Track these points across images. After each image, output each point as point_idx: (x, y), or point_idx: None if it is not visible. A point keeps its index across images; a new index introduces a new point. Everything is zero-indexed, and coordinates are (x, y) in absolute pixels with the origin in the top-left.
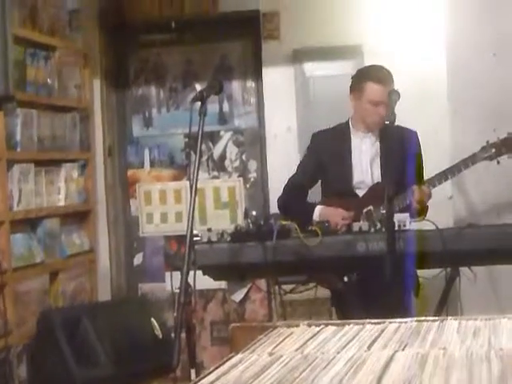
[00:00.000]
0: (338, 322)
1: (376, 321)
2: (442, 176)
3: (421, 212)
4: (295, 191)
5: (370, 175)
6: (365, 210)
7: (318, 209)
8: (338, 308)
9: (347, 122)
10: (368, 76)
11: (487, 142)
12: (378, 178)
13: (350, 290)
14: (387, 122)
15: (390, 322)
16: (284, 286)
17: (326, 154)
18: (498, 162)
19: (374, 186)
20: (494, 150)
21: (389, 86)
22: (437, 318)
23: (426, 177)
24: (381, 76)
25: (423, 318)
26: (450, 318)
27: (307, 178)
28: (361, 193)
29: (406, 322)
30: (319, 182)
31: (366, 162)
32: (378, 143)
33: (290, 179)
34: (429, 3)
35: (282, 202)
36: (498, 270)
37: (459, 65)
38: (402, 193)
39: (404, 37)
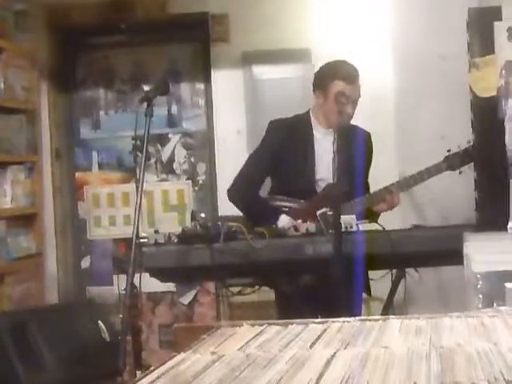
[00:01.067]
0: (282, 321)
1: (319, 320)
2: (409, 181)
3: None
4: (247, 181)
5: (331, 173)
6: (319, 212)
7: (284, 219)
8: (283, 311)
9: (307, 114)
10: (335, 74)
11: (448, 151)
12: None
13: (296, 293)
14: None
15: (333, 322)
16: (232, 289)
17: (284, 145)
18: (461, 172)
19: (328, 185)
20: (458, 160)
21: (356, 83)
22: (379, 317)
23: (371, 182)
24: (348, 73)
25: (366, 318)
26: (392, 317)
27: (261, 170)
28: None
29: (348, 322)
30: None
31: (328, 159)
32: (336, 140)
33: (241, 170)
34: (377, 7)
35: (232, 194)
36: (443, 270)
37: (407, 68)
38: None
39: (352, 40)
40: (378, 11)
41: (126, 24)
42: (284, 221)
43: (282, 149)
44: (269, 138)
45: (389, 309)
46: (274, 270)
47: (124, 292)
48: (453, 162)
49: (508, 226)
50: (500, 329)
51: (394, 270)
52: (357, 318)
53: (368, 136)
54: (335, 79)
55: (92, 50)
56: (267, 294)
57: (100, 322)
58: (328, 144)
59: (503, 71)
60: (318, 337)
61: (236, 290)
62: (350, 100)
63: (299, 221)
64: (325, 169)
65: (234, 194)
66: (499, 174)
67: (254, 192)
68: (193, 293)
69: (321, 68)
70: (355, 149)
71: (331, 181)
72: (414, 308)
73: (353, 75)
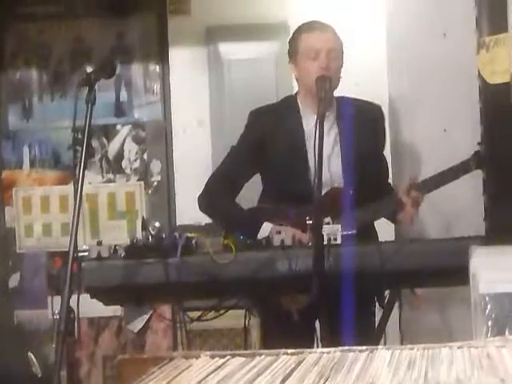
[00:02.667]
0: (247, 352)
1: (292, 351)
2: (436, 180)
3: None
4: (223, 185)
5: (328, 172)
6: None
7: (266, 228)
8: (268, 338)
9: (293, 97)
10: (301, 29)
11: (479, 143)
12: (338, 175)
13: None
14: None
15: (310, 353)
16: (191, 313)
17: (269, 137)
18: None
19: (331, 190)
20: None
21: (330, 34)
22: (365, 347)
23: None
24: (315, 23)
25: (348, 348)
26: (380, 347)
27: (241, 171)
28: None
29: (328, 353)
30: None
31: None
32: (335, 127)
33: (216, 171)
34: None
35: (204, 201)
36: (445, 292)
37: (404, 48)
38: (382, 198)
39: (338, 13)
40: None
41: None
42: (266, 230)
43: (267, 145)
44: (249, 132)
45: (379, 338)
46: (240, 291)
47: (57, 317)
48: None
49: None
50: (508, 362)
51: (387, 292)
52: (338, 348)
53: (380, 111)
54: (301, 34)
55: (23, 22)
56: (234, 319)
57: (30, 353)
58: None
59: None
60: (291, 371)
61: (196, 314)
62: (323, 50)
63: (275, 230)
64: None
65: (206, 202)
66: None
67: (232, 199)
68: (144, 318)
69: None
70: (364, 134)
71: (328, 182)
72: (411, 337)
73: (321, 25)
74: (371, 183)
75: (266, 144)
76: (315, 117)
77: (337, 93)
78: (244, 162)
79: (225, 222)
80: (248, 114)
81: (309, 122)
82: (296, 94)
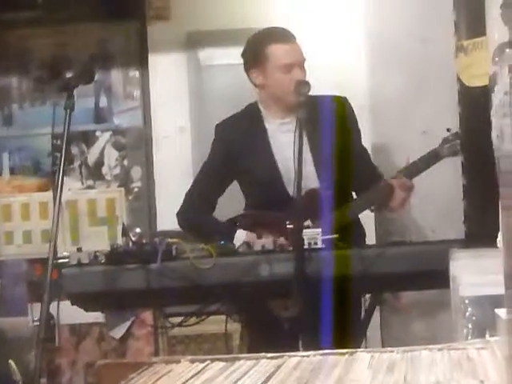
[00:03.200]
0: (227, 356)
1: (272, 355)
2: (417, 165)
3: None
4: (200, 202)
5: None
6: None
7: (240, 236)
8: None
9: (255, 105)
10: (269, 38)
11: (448, 129)
12: (312, 176)
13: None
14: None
15: (290, 357)
16: (173, 319)
17: (238, 148)
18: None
19: (308, 192)
20: (459, 141)
21: (297, 45)
22: (345, 350)
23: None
24: (284, 34)
25: (328, 351)
26: (360, 350)
27: (215, 184)
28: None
29: (308, 356)
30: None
31: (290, 157)
32: (300, 128)
33: (192, 186)
34: None
35: (183, 216)
36: (425, 295)
37: (383, 53)
38: (372, 185)
39: (318, 20)
40: None
41: None
42: (240, 238)
43: (236, 155)
44: (218, 145)
45: (360, 341)
46: (221, 296)
47: (37, 323)
48: (454, 142)
49: (497, 240)
50: (488, 363)
51: (368, 295)
52: (318, 351)
53: (342, 103)
54: (271, 44)
55: (2, 29)
56: (215, 324)
57: (11, 360)
58: (285, 137)
59: (496, 56)
60: (270, 375)
61: (178, 320)
62: (296, 64)
63: (253, 235)
64: (289, 170)
65: (184, 219)
66: (492, 180)
67: (209, 214)
68: (126, 325)
69: (248, 40)
70: (332, 130)
71: (305, 182)
72: (392, 340)
73: (289, 35)
74: (354, 176)
75: (235, 155)
76: (278, 122)
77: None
78: (217, 175)
79: (204, 237)
80: (214, 128)
81: (273, 128)
82: (256, 102)
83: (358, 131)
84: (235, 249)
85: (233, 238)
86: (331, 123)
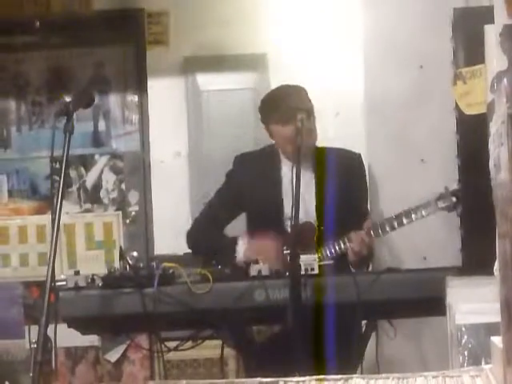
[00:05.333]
0: (224, 381)
1: (267, 380)
2: (387, 223)
3: (360, 263)
4: (210, 225)
5: (304, 209)
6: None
7: (244, 241)
8: (246, 368)
9: (275, 147)
10: (271, 117)
11: (445, 188)
12: (313, 213)
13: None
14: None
15: (286, 382)
16: (169, 343)
17: (251, 181)
18: (459, 215)
19: (304, 224)
20: (454, 200)
21: (294, 119)
22: (339, 376)
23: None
24: (284, 114)
25: (323, 377)
26: (355, 376)
27: (226, 210)
28: None
29: (303, 382)
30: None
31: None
32: (310, 170)
33: (204, 209)
34: (345, 7)
35: (192, 238)
36: (422, 323)
37: (379, 79)
38: (342, 236)
39: (316, 45)
40: (346, 12)
41: (43, 21)
42: (241, 249)
43: (248, 185)
44: (234, 175)
45: (356, 368)
46: (217, 321)
47: (35, 346)
48: (448, 200)
49: (494, 268)
50: None
51: (364, 322)
52: (313, 377)
53: (357, 159)
54: (271, 124)
55: (1, 53)
56: (211, 349)
57: (7, 382)
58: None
59: (494, 84)
60: None
61: (173, 344)
62: (292, 140)
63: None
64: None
65: (194, 239)
66: (489, 208)
67: (217, 234)
68: (121, 348)
69: (261, 103)
70: (339, 179)
71: (303, 220)
72: (388, 367)
73: (290, 113)
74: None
75: (248, 187)
76: (290, 163)
77: (319, 143)
78: (228, 203)
79: (211, 255)
80: (234, 158)
81: (287, 169)
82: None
83: (363, 189)
84: (232, 273)
85: (235, 250)
86: (338, 174)
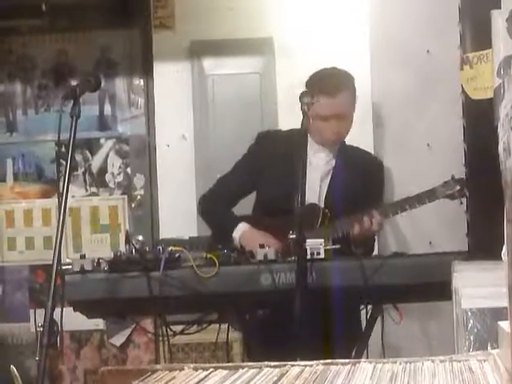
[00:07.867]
0: (230, 365)
1: (275, 364)
2: (398, 206)
3: (364, 243)
4: (220, 197)
5: (317, 195)
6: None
7: (242, 227)
8: (252, 352)
9: (305, 129)
10: (322, 88)
11: (452, 176)
12: (323, 201)
13: (263, 332)
14: None
15: (293, 365)
16: (174, 327)
17: (270, 160)
18: (462, 203)
19: (307, 206)
20: (458, 188)
21: (342, 95)
22: (347, 360)
23: None
24: (330, 86)
25: (331, 361)
26: (363, 360)
27: (239, 184)
28: None
29: (311, 366)
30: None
31: (314, 179)
32: (333, 161)
33: (219, 179)
34: None
35: (203, 205)
36: (428, 307)
37: (388, 65)
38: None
39: (323, 29)
40: None
41: (49, 4)
42: (241, 229)
43: (268, 164)
44: (255, 149)
45: (362, 352)
46: (223, 305)
47: (41, 329)
48: (453, 188)
49: (502, 253)
50: (490, 375)
51: (370, 307)
52: (321, 361)
53: (378, 164)
54: (320, 94)
55: (6, 36)
56: (216, 333)
57: (12, 366)
58: (316, 162)
59: (501, 69)
60: (274, 383)
61: (179, 328)
62: (333, 116)
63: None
64: (310, 189)
65: (205, 206)
66: (495, 192)
67: (227, 208)
68: (126, 332)
69: (311, 76)
70: (356, 174)
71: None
72: (393, 352)
73: (336, 85)
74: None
75: (266, 165)
76: (316, 147)
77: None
78: (243, 177)
79: (217, 229)
80: (257, 135)
81: (310, 152)
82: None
83: (379, 194)
84: (238, 257)
85: (231, 235)
86: (358, 172)
